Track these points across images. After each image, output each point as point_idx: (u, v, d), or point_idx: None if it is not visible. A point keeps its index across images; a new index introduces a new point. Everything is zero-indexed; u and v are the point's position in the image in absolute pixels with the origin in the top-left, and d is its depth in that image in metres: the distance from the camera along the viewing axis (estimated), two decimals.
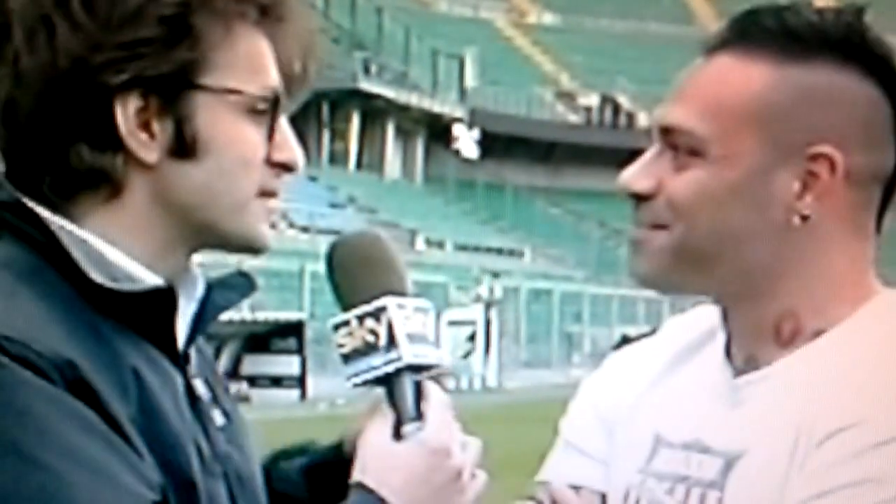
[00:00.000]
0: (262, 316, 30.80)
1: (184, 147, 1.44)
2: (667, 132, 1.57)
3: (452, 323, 35.93)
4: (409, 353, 1.43)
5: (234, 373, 29.82)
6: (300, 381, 30.84)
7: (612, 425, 1.65)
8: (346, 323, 1.44)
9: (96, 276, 1.42)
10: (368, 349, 1.44)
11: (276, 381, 30.51)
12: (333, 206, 46.53)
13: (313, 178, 48.51)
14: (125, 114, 1.43)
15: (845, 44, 1.53)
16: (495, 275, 41.24)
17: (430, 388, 1.47)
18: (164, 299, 1.43)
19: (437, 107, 54.65)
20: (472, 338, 35.98)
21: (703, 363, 1.62)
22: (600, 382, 1.68)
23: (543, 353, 41.03)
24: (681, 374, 1.64)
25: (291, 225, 41.99)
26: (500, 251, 49.54)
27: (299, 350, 30.82)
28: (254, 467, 1.53)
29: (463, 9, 66.18)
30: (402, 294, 1.46)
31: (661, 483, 1.58)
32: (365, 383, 1.45)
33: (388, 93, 51.13)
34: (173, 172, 1.45)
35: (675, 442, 1.59)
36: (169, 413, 1.41)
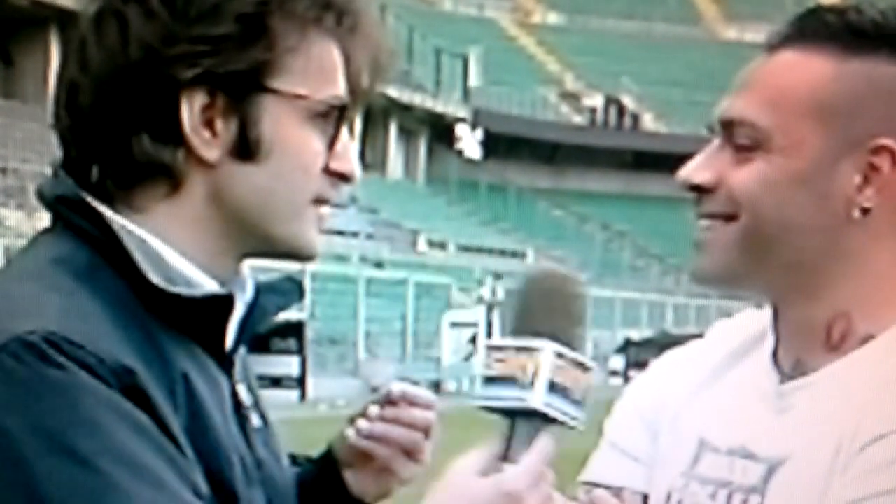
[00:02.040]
0: None
1: (246, 148, 1.43)
2: (728, 125, 1.58)
3: (454, 324, 35.96)
4: (538, 400, 1.42)
5: None
6: (300, 382, 30.90)
7: (656, 428, 1.66)
8: (503, 348, 1.43)
9: (155, 278, 1.42)
10: (510, 380, 1.42)
11: (276, 382, 30.48)
12: (335, 205, 46.38)
13: None
14: (191, 109, 1.43)
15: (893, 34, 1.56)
16: (498, 276, 41.23)
17: (543, 440, 1.44)
18: (221, 305, 1.44)
19: (440, 106, 54.70)
20: (473, 340, 35.99)
21: (750, 368, 1.63)
22: (646, 384, 1.69)
23: None
24: (727, 379, 1.64)
25: None
26: (502, 252, 49.57)
27: (299, 350, 30.85)
28: (286, 472, 1.54)
29: (467, 8, 66.21)
30: (567, 345, 1.44)
31: (704, 487, 1.59)
32: (491, 409, 1.43)
33: (391, 92, 51.08)
34: (232, 173, 1.44)
35: (720, 447, 1.60)
36: (216, 422, 1.42)
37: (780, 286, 1.57)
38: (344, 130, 1.49)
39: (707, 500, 1.58)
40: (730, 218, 1.56)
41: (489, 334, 36.47)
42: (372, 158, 53.49)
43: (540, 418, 1.42)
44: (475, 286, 39.15)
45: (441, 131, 55.73)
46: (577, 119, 63.67)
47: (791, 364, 1.59)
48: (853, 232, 1.54)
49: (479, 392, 1.44)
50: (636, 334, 39.79)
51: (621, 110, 64.30)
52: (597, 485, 1.65)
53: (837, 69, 1.54)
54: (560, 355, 1.43)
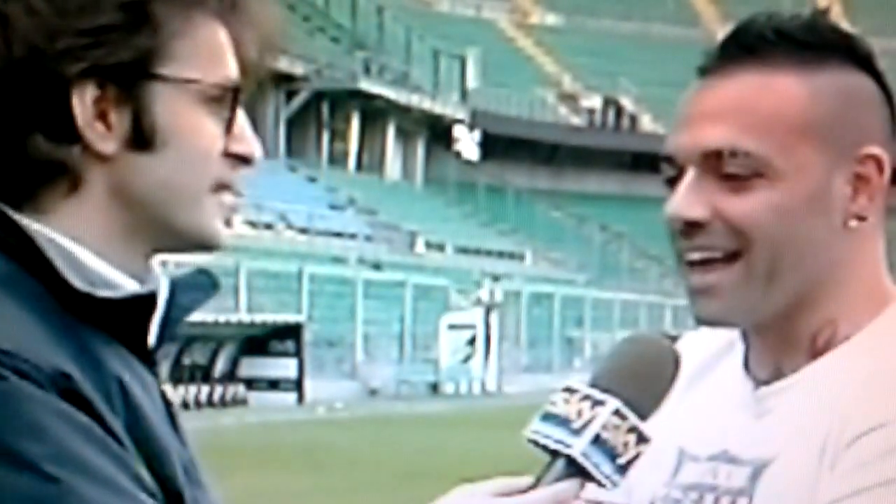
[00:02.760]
0: (259, 318, 30.87)
1: (142, 138, 1.42)
2: (711, 156, 1.53)
3: (452, 326, 36.04)
4: (578, 450, 1.39)
5: (231, 375, 29.96)
6: (298, 385, 30.93)
7: None
8: (573, 391, 1.42)
9: (76, 282, 1.40)
10: (563, 422, 1.41)
11: (274, 384, 30.64)
12: (333, 207, 46.59)
13: (312, 180, 48.53)
14: (82, 104, 1.41)
15: (841, 45, 1.57)
16: (496, 278, 41.30)
17: (571, 486, 1.41)
18: (143, 305, 1.43)
19: (438, 108, 54.77)
20: (471, 342, 36.07)
21: (722, 378, 1.64)
22: None
23: (544, 358, 41.14)
24: (700, 390, 1.64)
25: (290, 226, 41.97)
26: (500, 254, 49.64)
27: (297, 353, 30.93)
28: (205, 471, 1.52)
29: (465, 9, 66.32)
30: (634, 410, 1.42)
31: (687, 494, 1.60)
32: (535, 444, 1.42)
33: (389, 93, 51.21)
34: (131, 164, 1.42)
35: (700, 455, 1.60)
36: (153, 422, 1.41)
37: (781, 307, 1.56)
38: (240, 112, 1.47)
39: None
40: (731, 255, 1.54)
41: (487, 336, 36.57)
42: (370, 160, 53.53)
43: (577, 469, 1.40)
44: (473, 288, 39.19)
45: (439, 132, 55.82)
46: (576, 120, 63.78)
47: (769, 371, 1.58)
48: (847, 241, 1.55)
49: (533, 425, 1.42)
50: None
51: (619, 111, 64.40)
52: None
53: (809, 86, 1.54)
54: (620, 415, 1.41)
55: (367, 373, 34.91)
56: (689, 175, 1.54)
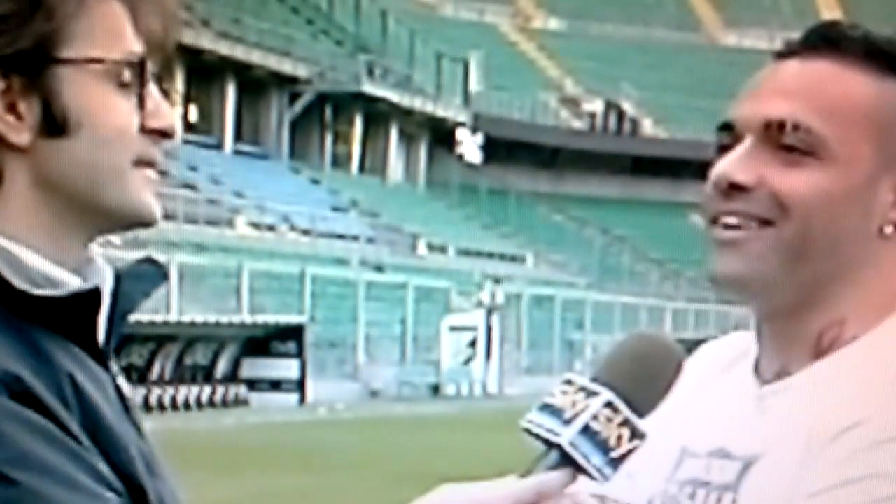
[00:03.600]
0: (261, 319, 30.81)
1: (54, 124, 1.39)
2: (774, 127, 1.55)
3: (453, 328, 35.95)
4: (566, 439, 1.39)
5: (232, 376, 29.84)
6: (299, 386, 30.78)
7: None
8: (572, 383, 1.42)
9: (17, 283, 1.37)
10: (558, 412, 1.40)
11: (276, 385, 30.51)
12: (335, 209, 46.56)
13: (315, 181, 48.53)
14: None
15: None
16: (497, 280, 41.21)
17: (558, 476, 1.39)
18: (89, 301, 1.40)
19: (440, 111, 54.71)
20: (473, 344, 36.00)
21: (732, 381, 1.65)
22: None
23: (545, 360, 41.05)
24: (710, 392, 1.66)
25: (293, 228, 41.98)
26: (502, 257, 49.58)
27: (299, 354, 30.76)
28: (168, 464, 1.49)
29: (468, 13, 66.27)
30: (628, 403, 1.41)
31: (682, 489, 1.61)
32: (529, 433, 1.41)
33: (392, 96, 51.16)
34: (49, 152, 1.40)
35: (700, 452, 1.62)
36: (109, 418, 1.38)
37: (800, 296, 1.57)
38: (152, 87, 1.44)
39: (686, 500, 1.60)
40: (765, 222, 1.55)
41: (488, 338, 36.53)
42: (372, 162, 53.49)
43: (569, 461, 1.39)
44: (475, 290, 39.07)
45: (441, 136, 55.73)
46: (577, 124, 63.68)
47: (775, 371, 1.60)
48: (877, 246, 1.57)
49: (529, 414, 1.41)
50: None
51: (621, 115, 64.34)
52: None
53: (880, 87, 1.57)
54: (612, 407, 1.40)
55: (368, 374, 34.84)
56: (746, 142, 1.56)
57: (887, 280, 1.58)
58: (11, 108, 1.39)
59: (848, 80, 1.56)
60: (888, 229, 1.56)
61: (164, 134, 1.44)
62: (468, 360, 36.13)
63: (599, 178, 62.36)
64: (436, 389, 35.63)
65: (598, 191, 61.52)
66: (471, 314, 36.95)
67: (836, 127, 1.54)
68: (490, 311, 36.75)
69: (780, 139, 1.54)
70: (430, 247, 46.57)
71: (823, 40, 1.58)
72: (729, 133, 1.58)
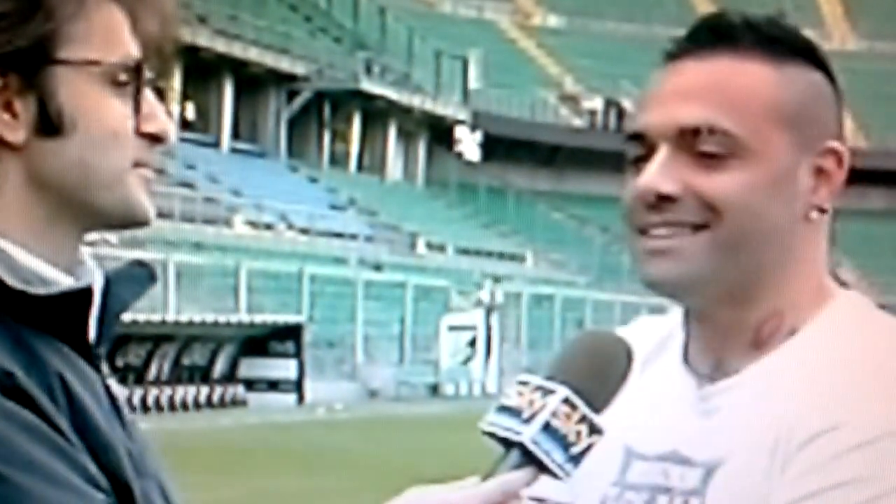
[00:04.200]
0: (259, 319, 30.88)
1: (49, 124, 1.41)
2: (688, 133, 1.56)
3: (453, 328, 36.10)
4: (528, 436, 1.40)
5: (230, 376, 29.99)
6: (298, 386, 30.96)
7: None
8: (527, 383, 1.43)
9: (11, 281, 1.39)
10: (516, 412, 1.42)
11: (274, 385, 30.68)
12: (333, 207, 46.65)
13: (313, 180, 48.57)
14: None
15: (804, 45, 1.62)
16: (496, 279, 41.33)
17: (521, 475, 1.41)
18: (80, 300, 1.42)
19: (439, 109, 54.83)
20: (472, 343, 36.14)
21: (662, 371, 1.65)
22: None
23: (544, 359, 40.43)
24: (642, 383, 1.62)
25: (290, 226, 42.01)
26: (501, 255, 49.73)
27: (297, 354, 30.97)
28: (162, 464, 1.51)
29: (467, 10, 66.37)
30: (585, 399, 1.43)
31: (639, 494, 1.60)
32: (490, 435, 1.43)
33: (391, 94, 51.26)
34: (44, 151, 1.41)
35: (648, 454, 1.61)
36: (97, 417, 1.40)
37: (735, 290, 1.58)
38: (148, 91, 1.46)
39: None
40: (697, 227, 1.56)
41: (488, 337, 36.60)
42: (371, 160, 53.56)
43: (530, 459, 1.41)
44: (474, 289, 39.25)
45: (440, 133, 55.85)
46: (577, 122, 63.84)
47: (711, 365, 1.60)
48: (804, 232, 1.58)
49: (488, 417, 1.44)
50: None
51: (621, 113, 64.37)
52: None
53: (778, 75, 1.58)
54: (570, 404, 1.42)
55: (367, 374, 34.95)
56: (662, 152, 1.57)
57: (813, 267, 1.59)
58: (7, 107, 1.40)
59: (749, 73, 1.57)
60: (813, 214, 1.57)
61: (159, 138, 1.46)
62: (467, 360, 36.26)
63: (599, 176, 62.39)
64: (435, 389, 35.76)
65: (597, 189, 61.55)
66: (470, 313, 37.11)
67: (748, 123, 1.55)
68: (489, 311, 36.88)
69: (697, 145, 1.55)
70: (429, 246, 46.67)
71: (715, 36, 1.59)
72: (639, 142, 1.60)
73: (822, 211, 1.59)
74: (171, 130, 1.47)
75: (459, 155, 56.43)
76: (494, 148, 56.89)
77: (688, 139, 1.56)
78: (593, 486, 1.63)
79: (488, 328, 36.55)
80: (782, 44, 1.60)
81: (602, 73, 63.36)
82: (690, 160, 1.56)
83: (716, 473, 1.55)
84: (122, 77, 1.43)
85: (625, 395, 1.58)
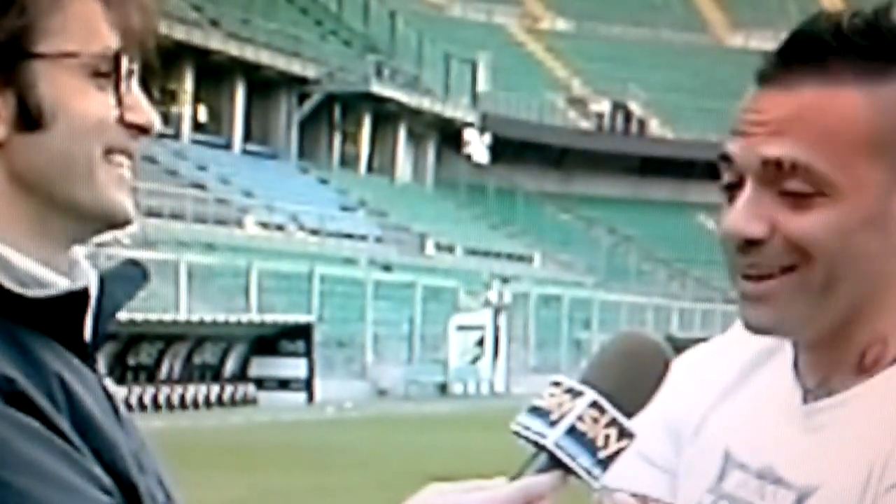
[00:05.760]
0: (270, 318, 30.87)
1: (29, 118, 1.38)
2: (771, 167, 1.48)
3: (461, 328, 35.99)
4: (552, 440, 1.37)
5: (241, 375, 29.90)
6: (308, 384, 30.80)
7: (680, 435, 1.62)
8: (559, 384, 1.41)
9: (7, 283, 1.37)
10: (545, 414, 1.39)
11: (284, 384, 30.53)
12: (344, 209, 46.62)
13: (324, 181, 48.61)
14: None
15: None
16: (505, 280, 41.31)
17: (546, 479, 1.38)
18: (77, 301, 1.40)
19: (448, 111, 54.73)
20: (480, 343, 36.04)
21: (771, 377, 1.59)
22: (669, 389, 1.56)
23: (552, 359, 41.08)
24: (749, 388, 1.60)
25: (301, 227, 42.07)
26: (509, 256, 49.62)
27: (307, 353, 30.78)
28: (159, 461, 1.48)
29: (476, 14, 66.28)
30: (613, 403, 1.39)
31: None
32: (519, 436, 1.40)
33: (401, 96, 51.21)
34: (24, 146, 1.39)
35: (747, 464, 1.56)
36: (97, 417, 1.38)
37: (832, 323, 1.52)
38: (133, 82, 1.43)
39: None
40: (787, 269, 1.49)
41: (496, 337, 36.59)
42: (380, 162, 53.55)
43: (558, 463, 1.37)
44: (482, 289, 39.11)
45: (449, 136, 55.76)
46: (585, 124, 63.71)
47: (816, 381, 1.55)
48: None
49: (518, 417, 1.39)
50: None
51: (628, 116, 64.38)
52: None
53: (872, 100, 1.48)
54: (598, 407, 1.38)
55: (376, 373, 34.88)
56: (748, 188, 1.50)
57: None
58: None
59: (838, 101, 1.48)
60: None
61: (143, 129, 1.43)
62: (476, 360, 36.16)
63: (607, 178, 62.40)
64: (443, 388, 35.68)
65: (605, 191, 61.57)
66: (478, 313, 36.97)
67: (835, 158, 1.47)
68: (497, 311, 36.78)
69: (782, 182, 1.48)
70: (438, 246, 46.62)
71: (803, 57, 1.49)
72: (729, 165, 1.52)
73: None
74: (155, 121, 1.44)
75: (468, 157, 56.30)
76: (503, 150, 56.81)
77: (772, 174, 1.48)
78: (690, 490, 1.59)
79: (496, 328, 36.43)
80: (879, 57, 1.49)
81: (609, 76, 63.27)
82: (777, 197, 1.49)
83: (808, 501, 1.50)
84: (103, 68, 1.40)
85: (730, 398, 1.60)
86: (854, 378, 1.52)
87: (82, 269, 1.44)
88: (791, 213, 1.48)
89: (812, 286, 1.49)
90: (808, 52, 1.49)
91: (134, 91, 1.42)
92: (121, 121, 1.41)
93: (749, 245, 1.49)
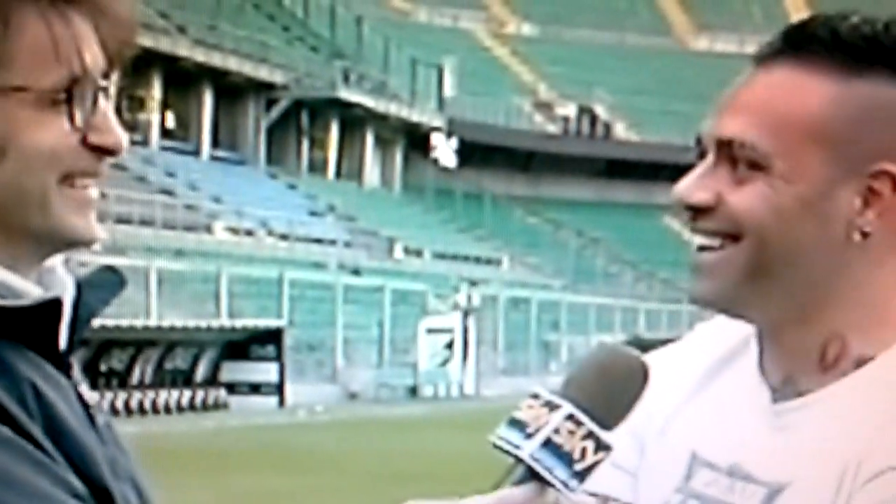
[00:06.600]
0: (240, 323, 30.86)
1: None
2: (725, 144, 1.53)
3: (431, 331, 35.98)
4: (528, 452, 1.38)
5: (212, 380, 29.81)
6: (279, 388, 30.75)
7: (643, 437, 1.62)
8: (538, 397, 1.42)
9: None
10: (522, 426, 1.40)
11: (255, 388, 30.45)
12: (312, 214, 46.65)
13: (292, 187, 48.65)
14: None
15: None
16: (473, 283, 41.39)
17: (521, 491, 1.38)
18: (50, 311, 1.39)
19: (415, 116, 54.80)
20: (449, 345, 36.08)
21: (736, 377, 1.60)
22: None
23: (521, 361, 41.17)
24: (715, 388, 1.61)
25: (270, 233, 42.10)
26: (478, 259, 49.69)
27: (278, 357, 30.72)
28: (138, 467, 1.47)
29: (442, 19, 66.37)
30: (590, 415, 1.39)
31: None
32: (496, 447, 1.42)
33: (368, 102, 51.27)
34: None
35: (715, 463, 1.57)
36: (71, 424, 1.37)
37: (779, 310, 1.54)
38: (101, 101, 1.39)
39: None
40: (732, 238, 1.53)
41: (465, 340, 36.66)
42: (349, 167, 53.59)
43: (536, 474, 1.38)
44: (451, 293, 39.14)
45: (417, 140, 55.81)
46: (551, 128, 63.84)
47: (781, 379, 1.56)
48: (853, 255, 1.52)
49: (498, 429, 1.41)
50: (610, 339, 40.03)
51: (594, 119, 64.58)
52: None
53: (837, 91, 1.51)
54: (575, 420, 1.39)
55: (346, 376, 34.89)
56: (706, 161, 1.54)
57: (878, 294, 1.54)
58: None
59: (803, 88, 1.51)
60: (856, 237, 1.51)
61: (109, 151, 1.40)
62: (445, 362, 36.23)
63: (573, 181, 62.59)
64: (413, 391, 35.70)
65: (572, 194, 61.75)
66: (447, 316, 36.98)
67: (781, 140, 1.50)
68: (466, 314, 36.84)
69: (734, 158, 1.52)
70: (407, 250, 46.68)
71: (788, 45, 1.53)
72: (700, 146, 1.56)
73: (864, 234, 1.51)
74: (123, 141, 1.41)
75: (436, 161, 56.37)
76: (470, 154, 56.91)
77: (726, 150, 1.52)
78: (656, 488, 1.59)
79: (465, 331, 36.46)
80: (862, 56, 1.51)
81: (575, 80, 63.48)
82: (729, 172, 1.52)
83: (778, 497, 1.51)
84: (60, 97, 1.37)
85: (696, 397, 1.60)
86: (819, 376, 1.53)
87: (58, 276, 1.43)
88: (735, 186, 1.52)
89: (745, 263, 1.52)
90: (793, 41, 1.53)
91: (101, 112, 1.39)
92: (84, 143, 1.38)
93: (695, 212, 1.53)
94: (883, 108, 1.51)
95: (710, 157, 1.53)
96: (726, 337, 1.63)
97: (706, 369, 1.62)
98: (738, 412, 1.57)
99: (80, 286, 1.44)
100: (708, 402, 1.59)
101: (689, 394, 1.59)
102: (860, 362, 1.52)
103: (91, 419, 1.41)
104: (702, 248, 1.54)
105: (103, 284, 1.46)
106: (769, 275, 1.52)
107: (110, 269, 1.48)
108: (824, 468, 1.48)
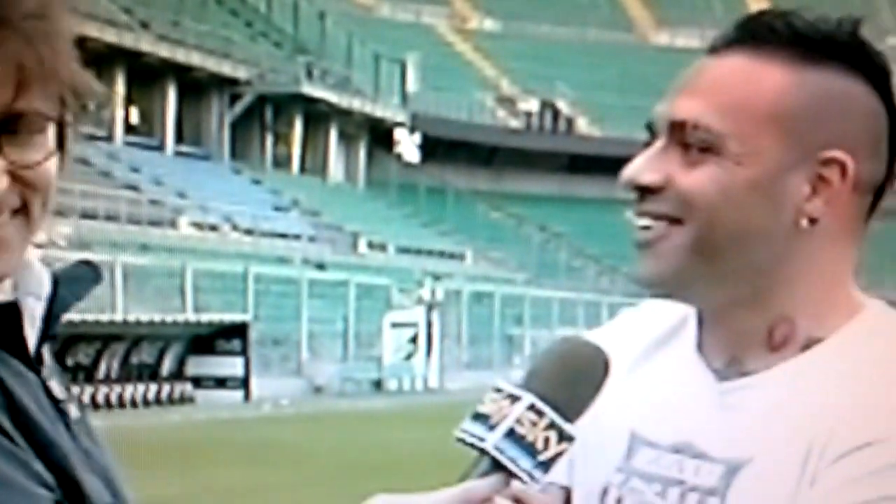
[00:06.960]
0: (206, 317, 30.91)
1: None
2: (678, 127, 1.53)
3: (394, 325, 36.06)
4: (491, 444, 1.39)
5: (178, 374, 29.90)
6: (244, 382, 30.86)
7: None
8: (500, 390, 1.43)
9: None
10: (484, 418, 1.41)
11: (221, 383, 30.51)
12: (277, 209, 46.64)
13: (257, 182, 48.65)
14: None
15: (852, 53, 1.55)
16: (437, 277, 41.50)
17: (486, 482, 1.40)
18: (8, 313, 1.39)
19: (379, 111, 54.80)
20: (413, 339, 36.16)
21: (674, 358, 1.61)
22: None
23: (484, 355, 41.29)
24: (650, 369, 1.62)
25: (235, 227, 42.11)
26: (441, 254, 49.76)
27: (243, 351, 30.83)
28: (112, 460, 1.48)
29: (405, 14, 66.45)
30: (552, 406, 1.41)
31: (649, 485, 1.56)
32: (463, 443, 1.42)
33: (331, 97, 51.28)
34: None
35: (658, 442, 1.57)
36: (37, 417, 1.38)
37: (725, 292, 1.54)
38: (25, 125, 1.33)
39: (655, 499, 1.55)
40: (677, 221, 1.53)
41: (429, 334, 36.78)
42: (312, 162, 53.61)
43: (500, 466, 1.39)
44: (415, 287, 39.19)
45: (380, 135, 55.85)
46: (514, 123, 63.99)
47: (726, 359, 1.56)
48: (801, 240, 1.52)
49: (462, 424, 1.41)
50: (573, 333, 40.11)
51: (556, 114, 64.78)
52: None
53: (792, 79, 1.52)
54: (536, 410, 1.40)
55: (312, 370, 34.94)
56: (658, 143, 1.54)
57: (825, 279, 1.54)
58: None
59: (759, 74, 1.52)
60: (803, 222, 1.52)
61: (31, 185, 1.36)
62: (409, 356, 36.30)
63: (536, 175, 62.79)
64: (378, 385, 35.76)
65: (535, 188, 61.95)
66: (411, 311, 37.03)
67: (736, 125, 1.51)
68: (430, 308, 36.93)
69: (685, 140, 1.52)
70: (371, 245, 46.72)
71: (745, 34, 1.55)
72: (650, 131, 1.56)
73: (811, 220, 1.52)
74: (49, 176, 1.36)
75: (399, 156, 56.39)
76: (433, 149, 56.98)
77: (678, 133, 1.53)
78: (595, 469, 1.59)
79: (429, 325, 36.53)
80: (817, 49, 1.53)
81: (537, 75, 63.64)
82: (680, 155, 1.52)
83: (739, 473, 1.50)
84: None
85: (632, 376, 1.60)
86: (766, 357, 1.54)
87: (35, 272, 1.43)
88: (686, 168, 1.52)
89: (692, 243, 1.52)
90: (749, 29, 1.55)
91: (29, 144, 1.34)
92: (11, 175, 1.33)
93: (644, 193, 1.54)
94: (835, 99, 1.52)
95: (662, 140, 1.54)
96: (657, 320, 1.64)
97: (640, 351, 1.63)
98: (679, 391, 1.57)
99: (56, 280, 1.44)
100: (644, 382, 1.60)
101: (622, 376, 1.56)
102: (809, 343, 1.53)
103: (61, 413, 1.42)
104: (645, 229, 1.55)
105: (79, 279, 1.47)
106: (717, 257, 1.52)
107: (86, 264, 1.48)
108: (787, 446, 1.49)
